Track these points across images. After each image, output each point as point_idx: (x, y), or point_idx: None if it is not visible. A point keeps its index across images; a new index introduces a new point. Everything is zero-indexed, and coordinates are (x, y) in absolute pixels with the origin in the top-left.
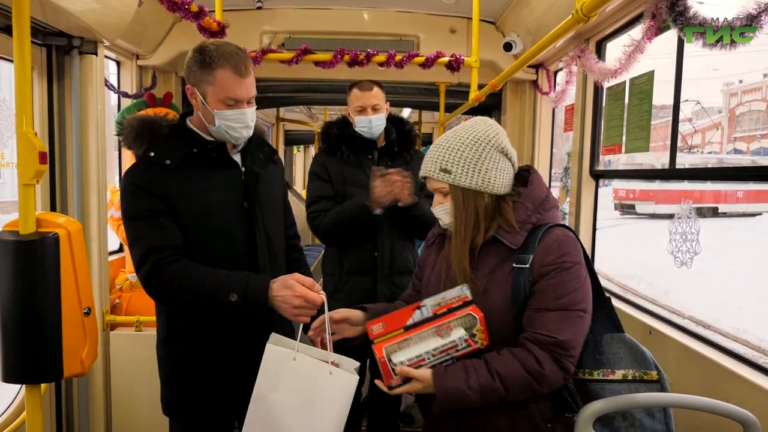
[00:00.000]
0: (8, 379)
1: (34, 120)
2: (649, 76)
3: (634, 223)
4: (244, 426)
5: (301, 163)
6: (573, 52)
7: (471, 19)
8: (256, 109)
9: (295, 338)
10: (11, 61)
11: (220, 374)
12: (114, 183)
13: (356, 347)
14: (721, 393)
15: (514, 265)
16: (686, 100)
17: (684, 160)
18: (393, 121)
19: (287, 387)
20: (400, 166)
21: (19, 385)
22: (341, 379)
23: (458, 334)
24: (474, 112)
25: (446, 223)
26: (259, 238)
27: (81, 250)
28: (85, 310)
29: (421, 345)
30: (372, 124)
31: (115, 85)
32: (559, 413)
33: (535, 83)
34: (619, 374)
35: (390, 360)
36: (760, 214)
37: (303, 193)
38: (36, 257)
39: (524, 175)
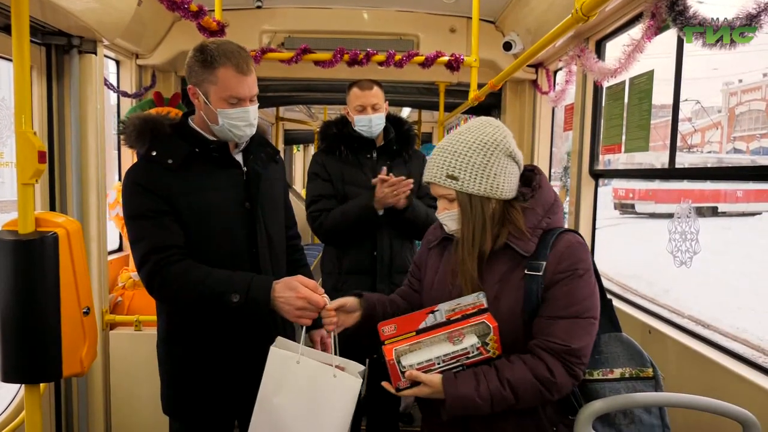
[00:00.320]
0: (7, 379)
1: (33, 119)
2: (649, 76)
3: (634, 223)
4: (250, 429)
5: (300, 162)
6: (573, 52)
7: (471, 18)
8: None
9: (295, 340)
10: (10, 60)
11: (220, 374)
12: (116, 182)
13: (357, 347)
14: (720, 392)
15: (526, 272)
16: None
17: (683, 160)
18: (391, 120)
19: (291, 390)
20: (398, 165)
21: (18, 385)
22: (345, 382)
23: (471, 341)
24: (473, 111)
25: (453, 229)
26: (260, 238)
27: (80, 249)
28: (85, 310)
29: (432, 350)
30: (372, 123)
31: (115, 85)
32: (563, 416)
33: (534, 83)
34: (617, 373)
35: (399, 362)
36: (759, 213)
37: (302, 193)
38: (35, 257)
39: (528, 176)
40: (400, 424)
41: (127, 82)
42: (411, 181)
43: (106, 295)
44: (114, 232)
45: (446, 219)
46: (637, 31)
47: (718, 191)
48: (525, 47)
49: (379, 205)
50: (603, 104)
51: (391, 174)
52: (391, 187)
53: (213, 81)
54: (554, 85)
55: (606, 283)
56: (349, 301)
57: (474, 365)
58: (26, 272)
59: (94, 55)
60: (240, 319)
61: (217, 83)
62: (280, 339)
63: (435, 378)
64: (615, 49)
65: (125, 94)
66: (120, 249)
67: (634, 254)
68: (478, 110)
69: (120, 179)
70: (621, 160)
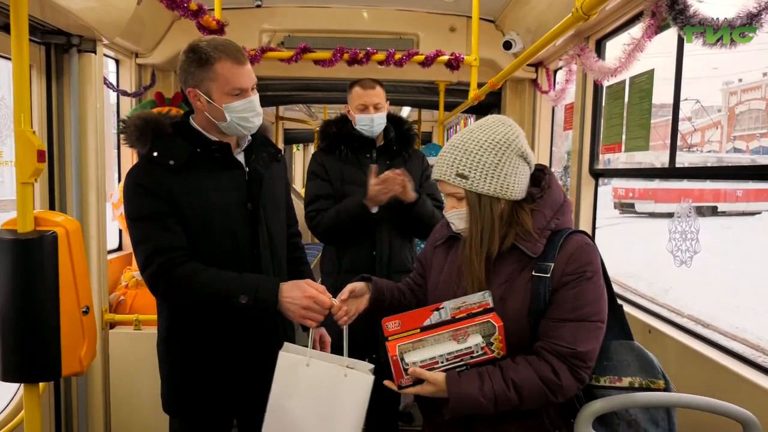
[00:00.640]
0: (6, 378)
1: (32, 118)
2: (649, 75)
3: (634, 222)
4: None
5: (300, 161)
6: (573, 51)
7: (471, 17)
8: None
9: (295, 340)
10: (10, 59)
11: (219, 373)
12: (117, 182)
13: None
14: (720, 392)
15: (533, 273)
16: (686, 99)
17: (683, 159)
18: (391, 120)
19: (303, 393)
20: (398, 165)
21: (17, 384)
22: (357, 381)
23: (475, 340)
24: (473, 110)
25: (460, 228)
26: (262, 239)
27: (79, 248)
28: (84, 309)
29: (437, 347)
30: (373, 123)
31: (114, 84)
32: (565, 419)
33: (534, 82)
34: (626, 381)
35: (402, 359)
36: (759, 213)
37: (302, 192)
38: (34, 256)
39: (537, 175)
40: (399, 423)
41: (127, 81)
42: (400, 171)
43: (105, 295)
44: (114, 231)
45: (454, 218)
46: (637, 30)
47: (718, 191)
48: (525, 46)
49: (371, 203)
50: (603, 103)
51: (376, 166)
52: (382, 184)
53: (212, 78)
54: (554, 85)
55: None
56: (358, 285)
57: (478, 365)
58: (25, 271)
59: (93, 54)
60: (246, 320)
61: (217, 79)
62: (287, 344)
63: (438, 376)
64: (615, 48)
65: (125, 93)
66: (119, 248)
67: (634, 254)
68: (477, 109)
69: (120, 179)
70: (621, 159)
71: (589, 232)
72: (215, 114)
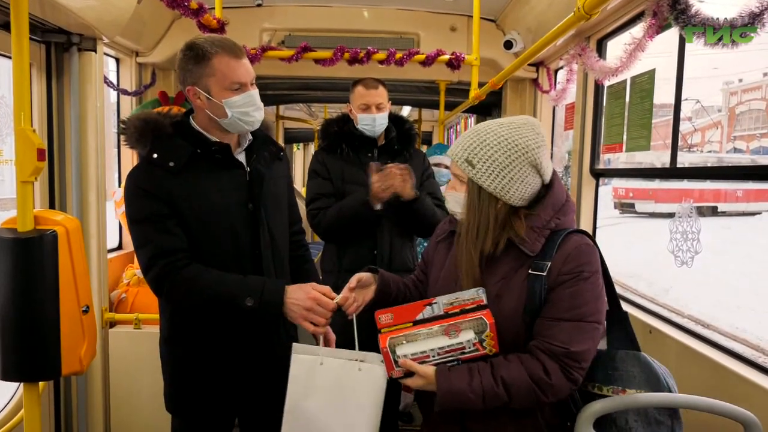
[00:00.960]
0: (6, 377)
1: (32, 117)
2: (650, 75)
3: (634, 222)
4: None
5: (300, 161)
6: (574, 51)
7: (471, 17)
8: None
9: (297, 339)
10: (10, 57)
11: (221, 372)
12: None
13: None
14: (721, 393)
15: (530, 271)
16: (686, 99)
17: (683, 159)
18: (393, 119)
19: (320, 392)
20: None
21: (17, 383)
22: (372, 373)
23: (467, 336)
24: (474, 110)
25: (454, 211)
26: (263, 239)
27: (79, 247)
28: (84, 308)
29: (428, 341)
30: (375, 122)
31: (115, 83)
32: (562, 421)
33: (535, 81)
34: (629, 393)
35: (394, 352)
36: (759, 213)
37: (302, 191)
38: (34, 255)
39: None
40: (399, 423)
41: (127, 79)
42: (402, 166)
43: (105, 294)
44: (114, 230)
45: (451, 199)
46: (638, 30)
47: (718, 191)
48: (526, 46)
49: (375, 200)
50: (604, 103)
51: (377, 163)
52: (383, 180)
53: (211, 73)
54: (555, 84)
55: None
56: (365, 275)
57: (470, 361)
58: (25, 270)
59: (93, 53)
60: (251, 322)
61: (216, 74)
62: (297, 345)
63: (429, 370)
64: (616, 47)
65: (125, 92)
66: (120, 247)
67: (634, 253)
68: (478, 109)
69: (120, 178)
70: (621, 159)
71: (590, 232)
72: (216, 111)
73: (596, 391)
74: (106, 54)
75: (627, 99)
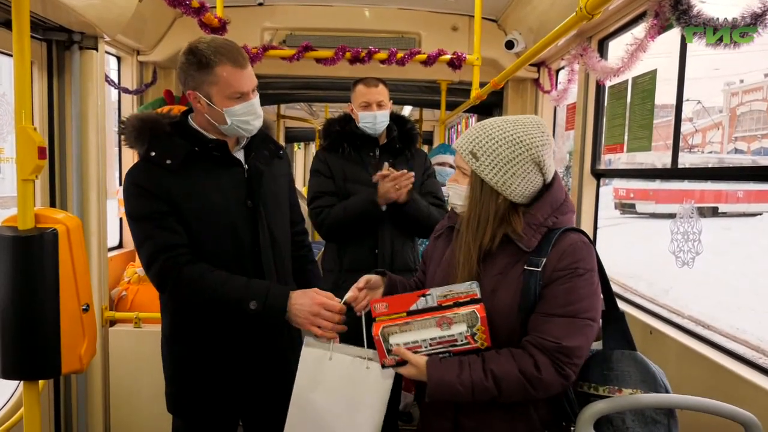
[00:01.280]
0: (6, 376)
1: (33, 115)
2: (652, 75)
3: (634, 223)
4: (286, 427)
5: (301, 160)
6: (575, 51)
7: (473, 16)
8: None
9: (301, 341)
10: (11, 55)
11: (223, 373)
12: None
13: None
14: (721, 393)
15: (525, 267)
16: (687, 100)
17: (684, 160)
18: (394, 119)
19: (327, 386)
20: (401, 163)
21: (16, 382)
22: (379, 373)
23: (459, 329)
24: (475, 110)
25: (455, 203)
26: (263, 236)
27: (80, 246)
28: (84, 307)
29: (421, 332)
30: (376, 120)
31: (116, 81)
32: (556, 420)
33: (536, 82)
34: (625, 393)
35: (387, 340)
36: (760, 214)
37: (303, 190)
38: (34, 253)
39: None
40: (399, 423)
41: (129, 78)
42: (412, 174)
43: (105, 292)
44: (114, 228)
45: (453, 191)
46: (640, 30)
47: (719, 192)
48: (527, 46)
49: (382, 200)
50: (605, 104)
51: (391, 168)
52: (393, 182)
53: (213, 81)
54: (556, 84)
55: None
56: (374, 277)
57: (461, 354)
58: (25, 269)
59: (95, 51)
60: (254, 325)
61: (218, 82)
62: (308, 338)
63: (420, 360)
64: (618, 48)
65: (126, 91)
66: (120, 245)
67: (634, 254)
68: (479, 109)
69: (121, 176)
70: (622, 159)
71: (591, 232)
72: (215, 116)
73: (592, 391)
74: (107, 52)
75: (628, 99)
